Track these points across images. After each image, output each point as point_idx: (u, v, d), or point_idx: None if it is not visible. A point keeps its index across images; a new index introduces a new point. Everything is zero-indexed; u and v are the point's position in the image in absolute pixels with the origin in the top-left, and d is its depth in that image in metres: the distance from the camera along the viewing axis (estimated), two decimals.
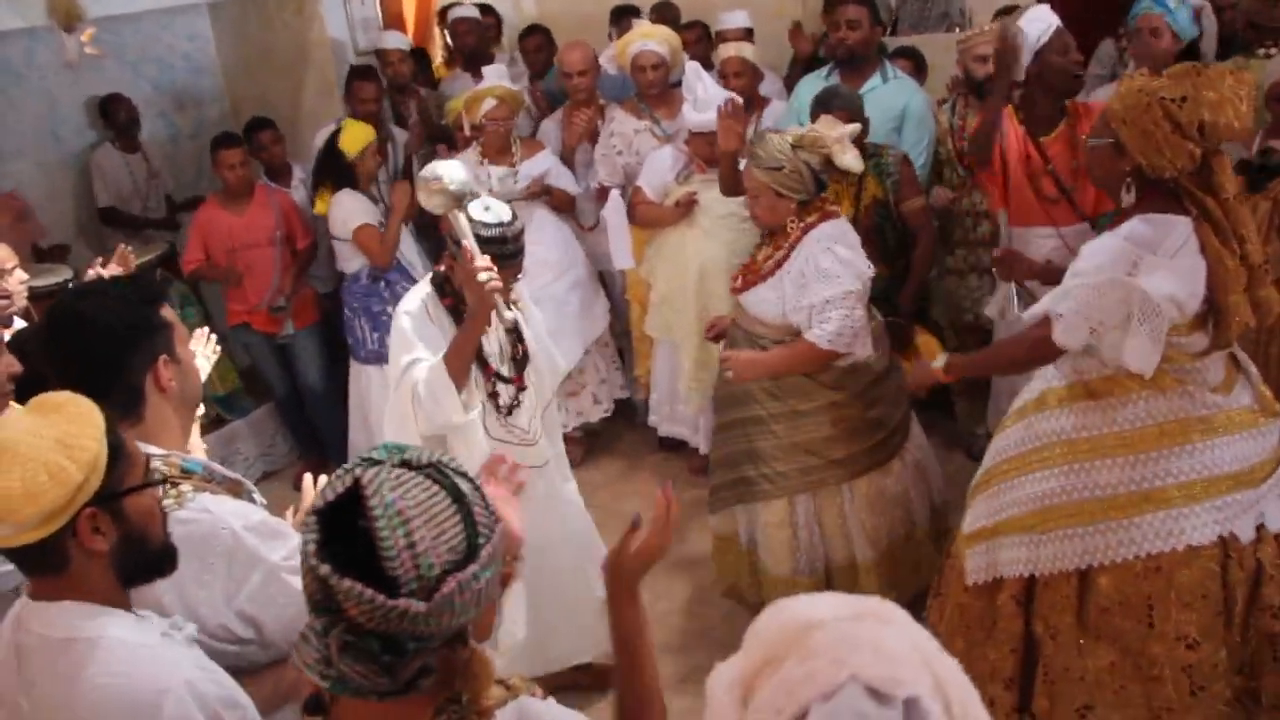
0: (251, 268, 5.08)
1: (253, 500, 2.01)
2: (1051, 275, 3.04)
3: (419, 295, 3.00)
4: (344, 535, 1.27)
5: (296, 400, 5.39)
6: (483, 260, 2.72)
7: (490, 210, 2.89)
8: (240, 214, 5.09)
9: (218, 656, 1.75)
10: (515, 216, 2.93)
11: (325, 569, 1.23)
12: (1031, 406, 2.82)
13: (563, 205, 4.97)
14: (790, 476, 3.44)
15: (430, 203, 2.75)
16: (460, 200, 2.75)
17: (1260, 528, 2.60)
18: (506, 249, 2.86)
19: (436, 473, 1.34)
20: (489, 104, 4.71)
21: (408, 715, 1.33)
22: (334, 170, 4.81)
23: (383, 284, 4.90)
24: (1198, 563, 2.58)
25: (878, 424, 3.46)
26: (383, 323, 4.78)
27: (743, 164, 3.54)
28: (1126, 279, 2.45)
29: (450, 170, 2.74)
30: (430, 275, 3.08)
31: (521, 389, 3.11)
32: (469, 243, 2.73)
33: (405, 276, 4.88)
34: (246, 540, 1.84)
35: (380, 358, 4.89)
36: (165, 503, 1.77)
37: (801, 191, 3.25)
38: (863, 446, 3.44)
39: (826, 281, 3.21)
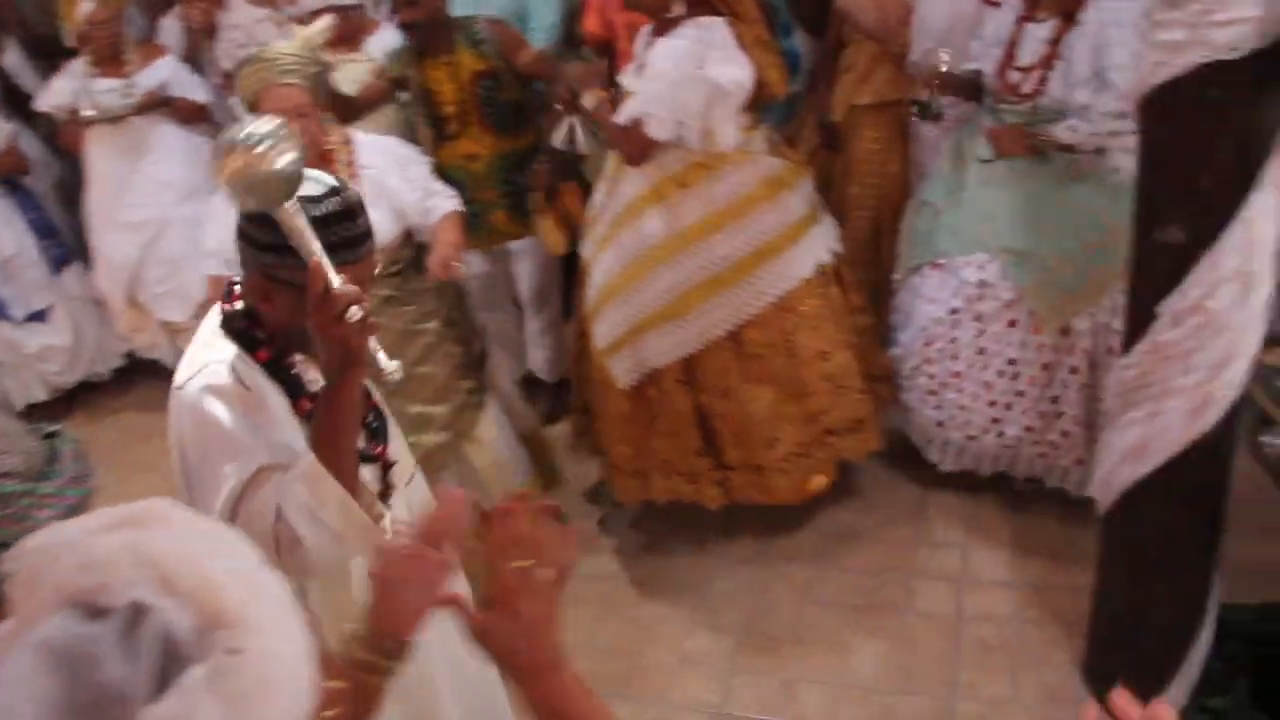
0: None
1: None
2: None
3: (218, 357, 1.78)
4: None
5: None
6: (345, 285, 1.62)
7: (309, 179, 1.74)
8: None
9: None
10: (345, 183, 1.78)
11: None
12: (626, 216, 3.07)
13: (191, 116, 4.62)
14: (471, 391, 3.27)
15: (240, 191, 1.62)
16: (294, 187, 1.64)
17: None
18: (354, 230, 1.72)
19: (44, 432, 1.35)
20: (86, 6, 4.33)
21: None
22: None
23: None
24: (810, 291, 3.16)
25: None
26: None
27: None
28: (698, 73, 2.82)
29: (263, 131, 1.61)
30: (220, 316, 1.84)
31: (388, 465, 2.01)
32: (318, 256, 1.62)
33: None
34: None
35: None
36: None
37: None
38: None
39: (413, 160, 3.06)
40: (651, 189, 3.02)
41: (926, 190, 3.36)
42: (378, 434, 2.01)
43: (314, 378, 1.85)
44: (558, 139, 3.64)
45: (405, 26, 3.68)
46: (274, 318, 1.78)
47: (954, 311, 3.18)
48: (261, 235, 1.70)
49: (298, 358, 1.86)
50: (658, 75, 2.89)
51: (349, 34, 4.05)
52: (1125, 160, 2.84)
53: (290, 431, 1.78)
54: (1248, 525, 2.70)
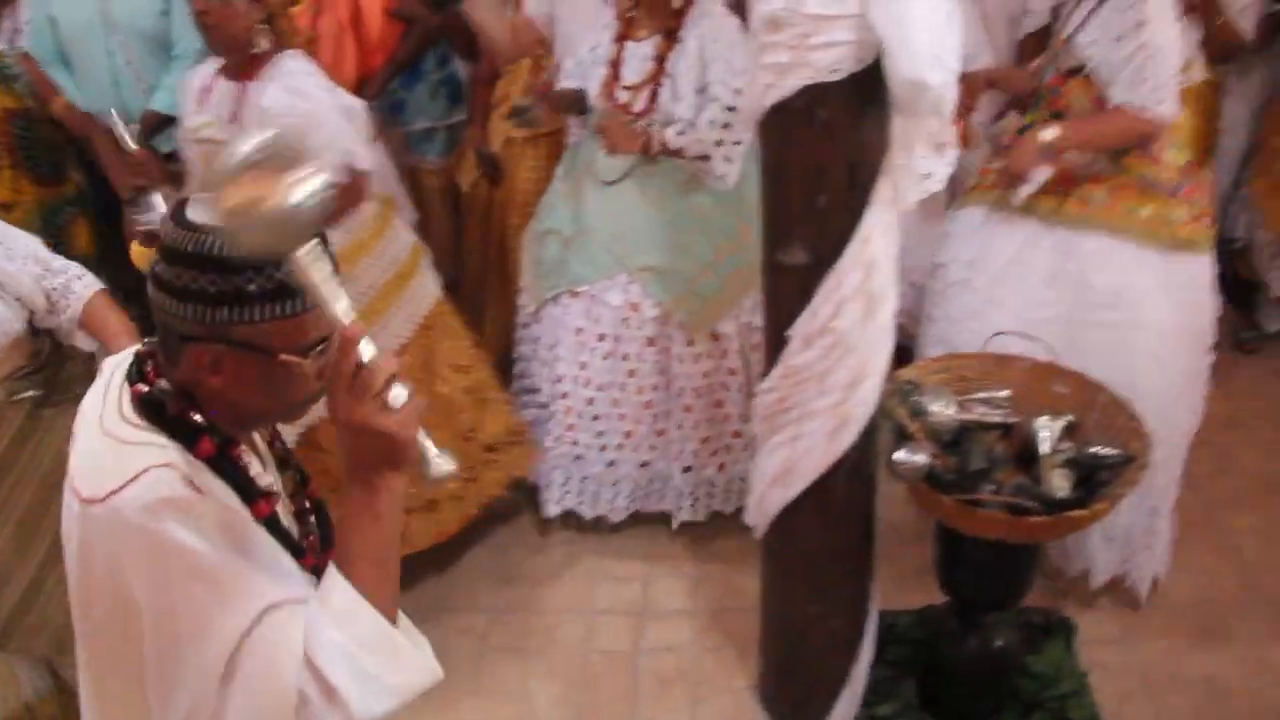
0: None
1: None
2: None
3: (156, 458, 1.29)
4: None
5: None
6: (379, 353, 1.24)
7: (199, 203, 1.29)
8: None
9: None
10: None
11: None
12: None
13: None
14: None
15: (250, 230, 1.18)
16: (320, 222, 1.23)
17: None
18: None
19: None
20: None
21: None
22: None
23: None
24: (439, 308, 3.15)
25: None
26: None
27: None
28: (337, 100, 2.75)
29: (278, 148, 1.22)
30: (127, 391, 1.37)
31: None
32: (350, 316, 1.23)
33: None
34: None
35: None
36: None
37: None
38: None
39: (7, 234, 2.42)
40: None
41: (546, 219, 3.29)
42: (327, 535, 1.57)
43: (259, 471, 1.44)
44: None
45: None
46: (223, 395, 1.33)
47: (602, 338, 3.15)
48: (211, 283, 1.25)
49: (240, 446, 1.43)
50: (313, 114, 2.68)
51: None
52: (727, 168, 2.97)
53: (276, 550, 1.36)
54: (906, 532, 2.80)
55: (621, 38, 3.10)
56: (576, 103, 3.19)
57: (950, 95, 1.88)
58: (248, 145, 1.19)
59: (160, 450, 1.29)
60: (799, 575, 2.40)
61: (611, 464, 3.25)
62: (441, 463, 1.28)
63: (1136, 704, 2.81)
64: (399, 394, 1.22)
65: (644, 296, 3.09)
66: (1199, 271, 2.79)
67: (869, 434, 2.19)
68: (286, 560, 1.34)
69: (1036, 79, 2.94)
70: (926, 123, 1.95)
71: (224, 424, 1.35)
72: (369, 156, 2.79)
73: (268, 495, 1.40)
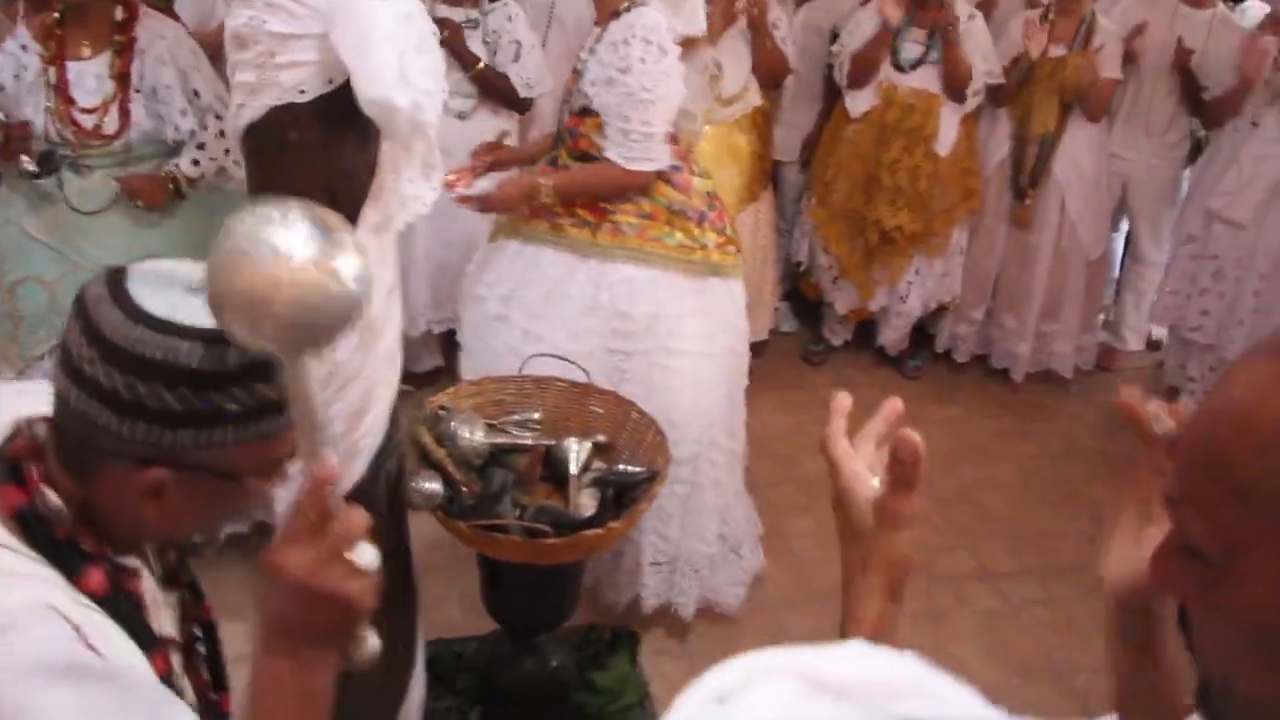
0: None
1: None
2: None
3: (32, 596, 0.97)
4: None
5: None
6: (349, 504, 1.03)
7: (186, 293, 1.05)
8: None
9: None
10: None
11: None
12: None
13: None
14: None
15: (280, 327, 0.93)
16: (355, 318, 1.01)
17: None
18: (274, 394, 1.05)
19: None
20: None
21: None
22: None
23: None
24: None
25: None
26: None
27: None
28: None
29: (317, 222, 0.95)
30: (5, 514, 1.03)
31: None
32: (326, 450, 0.99)
33: None
34: None
35: None
36: None
37: None
38: None
39: None
40: None
41: (15, 267, 2.94)
42: (218, 673, 1.28)
43: (155, 599, 1.15)
44: None
45: None
46: (148, 521, 1.05)
47: None
48: (180, 400, 0.99)
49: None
50: None
51: None
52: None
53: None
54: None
55: (57, 58, 2.85)
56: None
57: (429, 118, 1.86)
58: (265, 215, 0.94)
59: (40, 585, 0.98)
60: None
61: None
62: (374, 640, 1.07)
63: None
64: (369, 555, 1.00)
65: None
66: (730, 294, 2.88)
67: (382, 461, 2.13)
68: None
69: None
70: (413, 146, 1.92)
71: (120, 544, 1.09)
72: None
73: (164, 644, 1.13)
